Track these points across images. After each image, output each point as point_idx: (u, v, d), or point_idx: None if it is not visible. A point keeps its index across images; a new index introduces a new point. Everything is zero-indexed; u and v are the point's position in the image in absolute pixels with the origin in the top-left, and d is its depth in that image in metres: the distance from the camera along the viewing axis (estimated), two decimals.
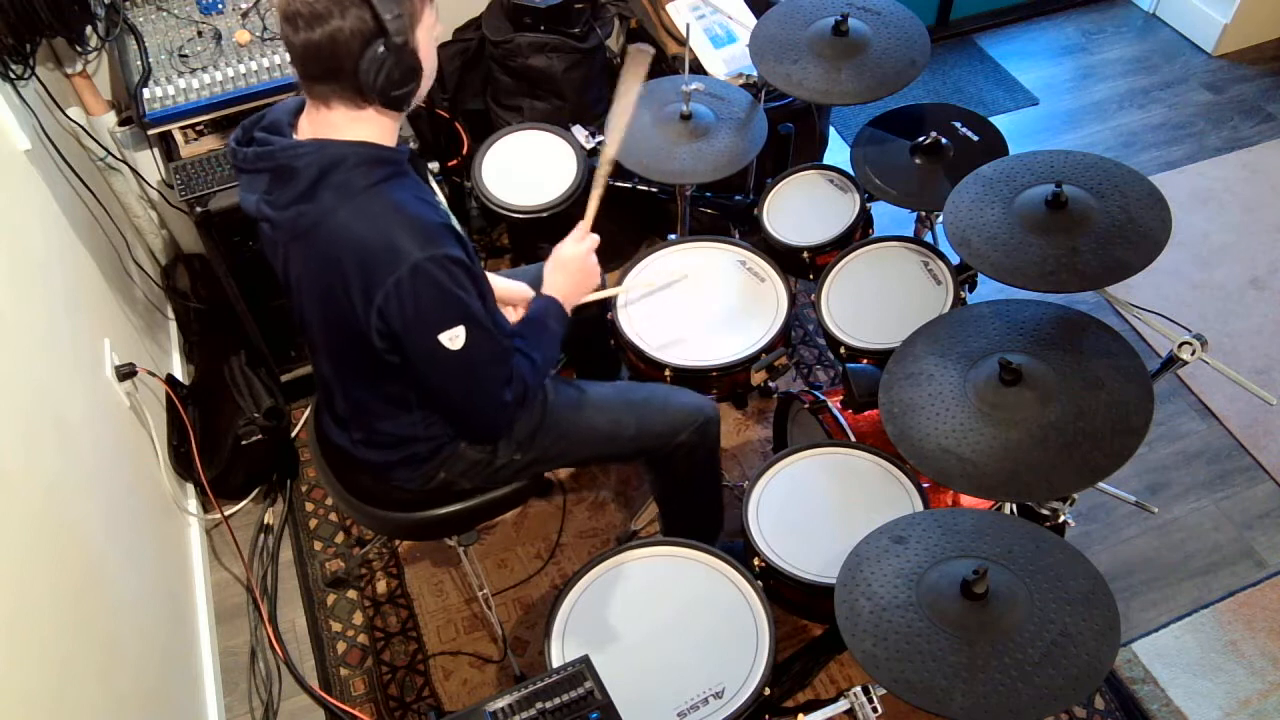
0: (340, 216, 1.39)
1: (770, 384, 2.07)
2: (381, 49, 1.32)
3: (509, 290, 1.88)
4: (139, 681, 1.76)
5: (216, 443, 2.36)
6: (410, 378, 1.55)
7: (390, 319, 1.41)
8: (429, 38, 1.40)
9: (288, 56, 2.18)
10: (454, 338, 1.44)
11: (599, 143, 2.25)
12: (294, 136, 1.44)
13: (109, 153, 2.40)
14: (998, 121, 2.30)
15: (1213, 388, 2.60)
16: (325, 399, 1.77)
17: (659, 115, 2.17)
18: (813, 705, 1.49)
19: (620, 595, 1.69)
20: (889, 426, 1.58)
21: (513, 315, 1.87)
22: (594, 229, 1.84)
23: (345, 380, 1.66)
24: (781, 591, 1.74)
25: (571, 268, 1.80)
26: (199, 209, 2.14)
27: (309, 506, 2.50)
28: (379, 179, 1.40)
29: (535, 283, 1.89)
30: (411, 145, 2.29)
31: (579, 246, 1.81)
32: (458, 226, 1.51)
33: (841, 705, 1.47)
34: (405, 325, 1.42)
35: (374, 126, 1.42)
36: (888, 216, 2.51)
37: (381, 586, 2.34)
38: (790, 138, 2.67)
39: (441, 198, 1.58)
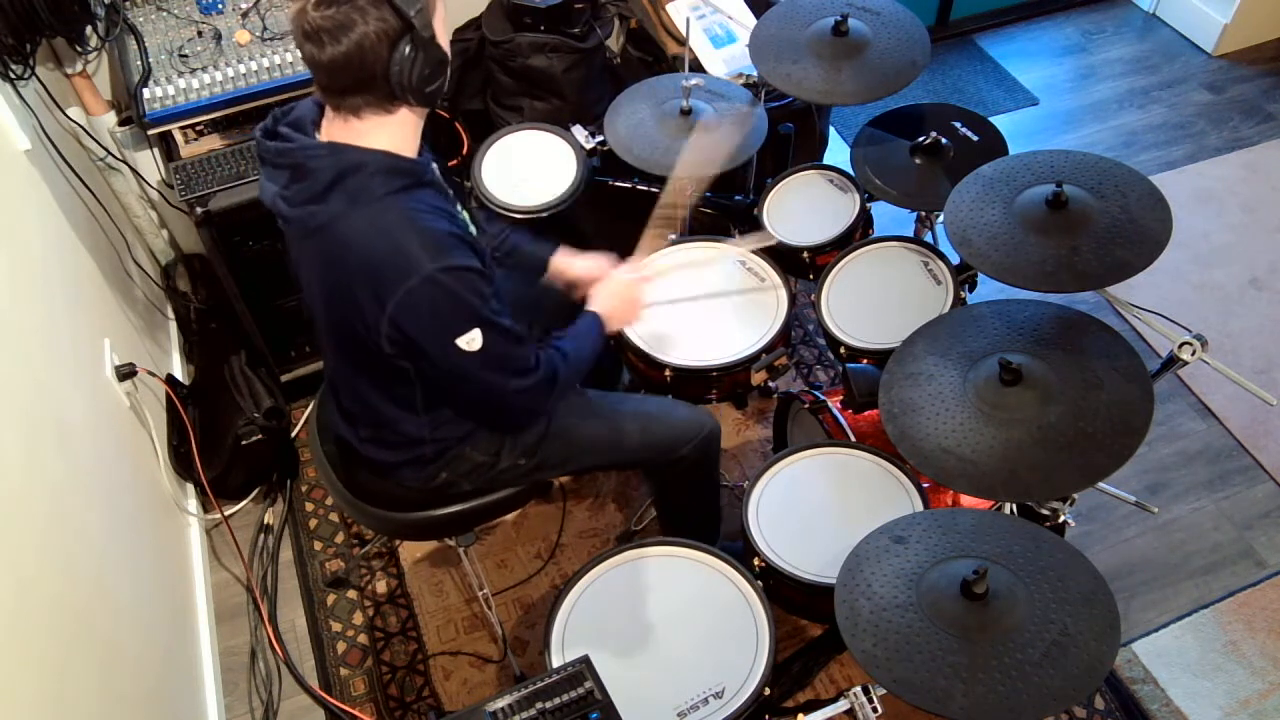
0: (349, 221, 1.39)
1: (770, 384, 2.07)
2: (408, 47, 1.32)
3: (584, 273, 1.87)
4: (139, 682, 1.76)
5: (216, 443, 2.36)
6: (417, 380, 1.56)
7: (405, 327, 1.42)
8: (444, 27, 1.40)
9: (288, 57, 2.20)
10: (471, 341, 1.45)
11: (599, 142, 2.25)
12: (317, 136, 1.44)
13: (109, 153, 2.40)
14: (998, 121, 2.30)
15: (1213, 388, 2.60)
16: (333, 393, 1.77)
17: (659, 111, 2.17)
18: (813, 705, 1.49)
19: (620, 595, 1.69)
20: (889, 426, 1.58)
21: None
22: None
23: (353, 380, 1.66)
24: (781, 591, 1.74)
25: (622, 296, 1.81)
26: (199, 209, 2.14)
27: (309, 506, 2.50)
28: (395, 189, 1.40)
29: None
30: None
31: (634, 278, 1.83)
32: (474, 234, 1.51)
33: (841, 705, 1.47)
34: (421, 333, 1.43)
35: (401, 130, 1.42)
36: (888, 216, 2.51)
37: (381, 586, 2.34)
38: (790, 138, 2.67)
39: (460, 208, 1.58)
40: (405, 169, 1.42)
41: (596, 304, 1.79)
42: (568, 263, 1.89)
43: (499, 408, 1.64)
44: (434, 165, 1.53)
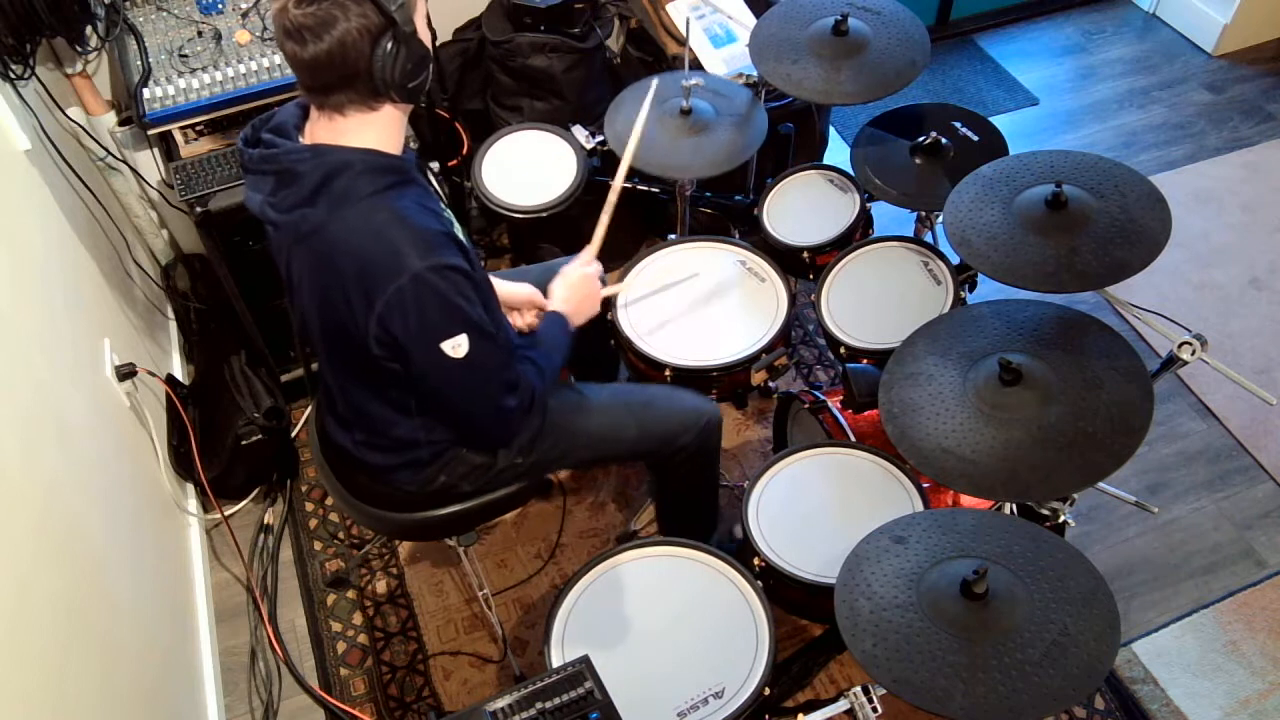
0: (341, 223, 1.39)
1: (770, 384, 2.07)
2: (390, 43, 1.32)
3: (513, 294, 1.88)
4: (139, 682, 1.76)
5: (216, 443, 2.36)
6: (411, 383, 1.55)
7: (392, 328, 1.41)
8: (424, 23, 1.40)
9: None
10: (456, 346, 1.44)
11: (599, 142, 2.25)
12: (300, 139, 1.43)
13: (109, 153, 2.40)
14: (998, 121, 2.30)
15: (1213, 388, 2.60)
16: (327, 399, 1.77)
17: (659, 110, 2.17)
18: (813, 705, 1.49)
19: (620, 595, 1.69)
20: (889, 426, 1.58)
21: (518, 320, 1.87)
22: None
23: (346, 383, 1.66)
24: (781, 591, 1.74)
25: (579, 291, 1.83)
26: (199, 209, 2.13)
27: (309, 506, 2.50)
28: (383, 187, 1.40)
29: (538, 283, 1.90)
30: (412, 145, 2.29)
31: (587, 270, 1.85)
32: (461, 234, 1.50)
33: (841, 705, 1.47)
34: (407, 334, 1.42)
35: (385, 127, 1.42)
36: (888, 216, 2.51)
37: (381, 586, 2.34)
38: (790, 138, 2.67)
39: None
40: (391, 166, 1.42)
41: (557, 302, 1.80)
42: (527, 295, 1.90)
43: (480, 421, 1.62)
44: (418, 163, 1.53)
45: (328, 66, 1.31)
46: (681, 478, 1.99)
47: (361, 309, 1.41)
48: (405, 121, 1.46)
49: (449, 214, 1.55)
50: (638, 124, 1.99)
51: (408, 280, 1.37)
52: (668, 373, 1.96)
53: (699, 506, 2.10)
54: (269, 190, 1.43)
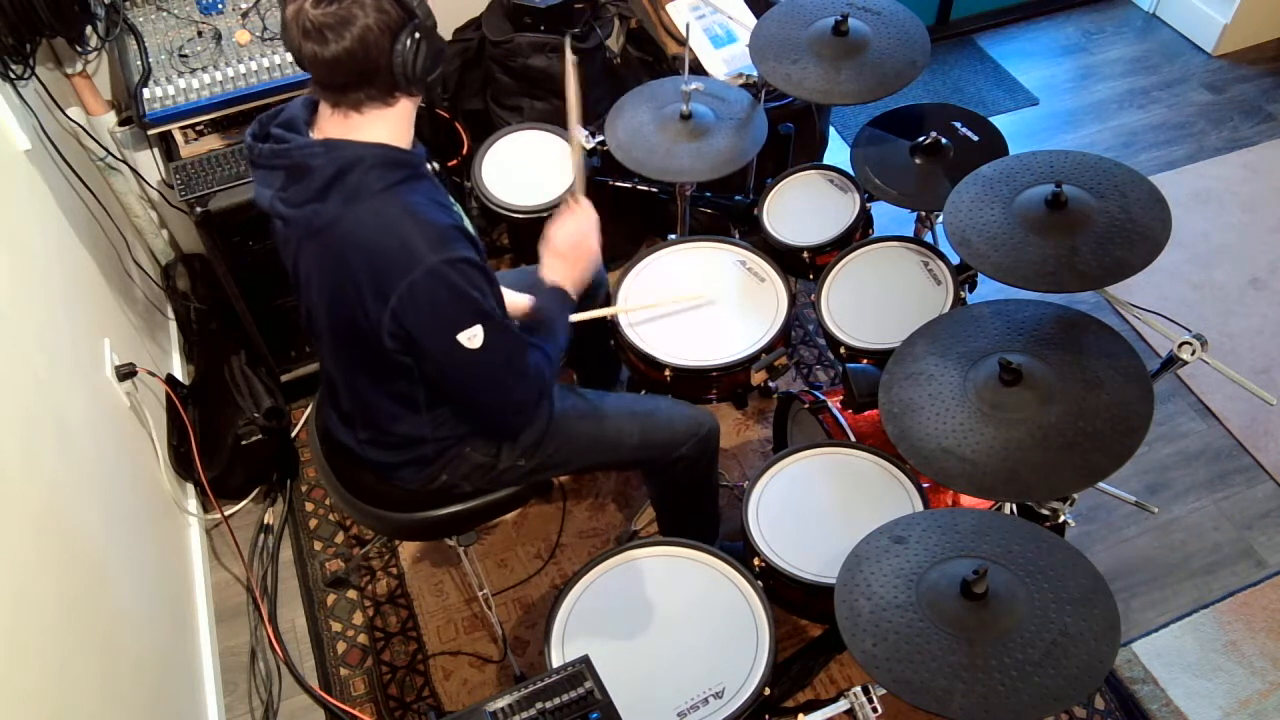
0: (354, 218, 1.39)
1: (770, 384, 2.07)
2: (410, 38, 1.32)
3: (513, 303, 1.86)
4: (139, 682, 1.76)
5: (216, 443, 2.36)
6: (419, 378, 1.55)
7: (405, 321, 1.41)
8: None
9: (289, 57, 2.20)
10: (472, 337, 1.44)
11: (599, 142, 2.25)
12: (310, 134, 1.44)
13: (109, 153, 2.40)
14: (998, 121, 2.30)
15: (1213, 388, 2.60)
16: (331, 397, 1.77)
17: (659, 115, 2.17)
18: (813, 705, 1.49)
19: (620, 595, 1.69)
20: (889, 426, 1.58)
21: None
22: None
23: (353, 380, 1.66)
24: (781, 591, 1.74)
25: (566, 248, 1.76)
26: (199, 209, 2.14)
27: (309, 506, 2.50)
28: (394, 181, 1.40)
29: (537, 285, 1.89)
30: None
31: (572, 224, 1.78)
32: (470, 228, 1.51)
33: (841, 705, 1.47)
34: (421, 327, 1.42)
35: (398, 121, 1.42)
36: (888, 216, 2.51)
37: (381, 586, 2.34)
38: (790, 138, 2.67)
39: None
40: (402, 160, 1.42)
41: (550, 271, 1.75)
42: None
43: (497, 412, 1.63)
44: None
45: (348, 64, 1.31)
46: (681, 486, 1.99)
47: (375, 304, 1.41)
48: (414, 114, 1.46)
49: (458, 207, 1.55)
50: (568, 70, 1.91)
51: (421, 274, 1.37)
52: (668, 373, 1.96)
53: (699, 514, 2.10)
54: (279, 185, 1.43)
